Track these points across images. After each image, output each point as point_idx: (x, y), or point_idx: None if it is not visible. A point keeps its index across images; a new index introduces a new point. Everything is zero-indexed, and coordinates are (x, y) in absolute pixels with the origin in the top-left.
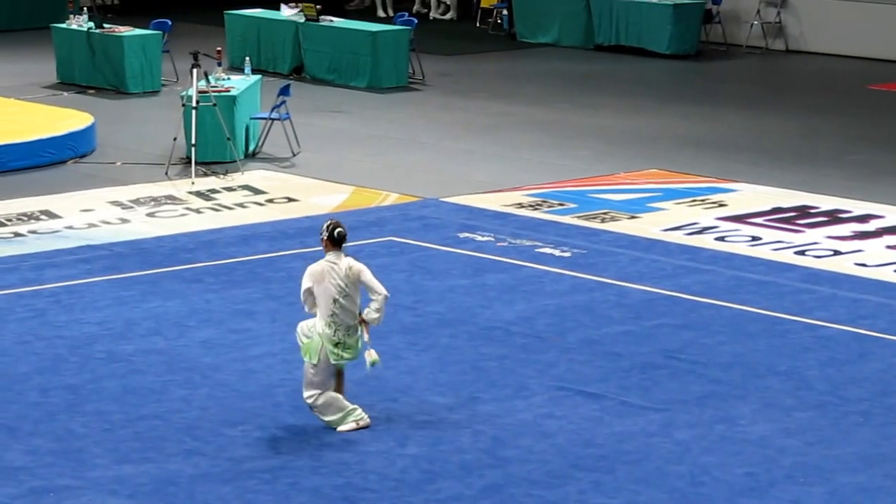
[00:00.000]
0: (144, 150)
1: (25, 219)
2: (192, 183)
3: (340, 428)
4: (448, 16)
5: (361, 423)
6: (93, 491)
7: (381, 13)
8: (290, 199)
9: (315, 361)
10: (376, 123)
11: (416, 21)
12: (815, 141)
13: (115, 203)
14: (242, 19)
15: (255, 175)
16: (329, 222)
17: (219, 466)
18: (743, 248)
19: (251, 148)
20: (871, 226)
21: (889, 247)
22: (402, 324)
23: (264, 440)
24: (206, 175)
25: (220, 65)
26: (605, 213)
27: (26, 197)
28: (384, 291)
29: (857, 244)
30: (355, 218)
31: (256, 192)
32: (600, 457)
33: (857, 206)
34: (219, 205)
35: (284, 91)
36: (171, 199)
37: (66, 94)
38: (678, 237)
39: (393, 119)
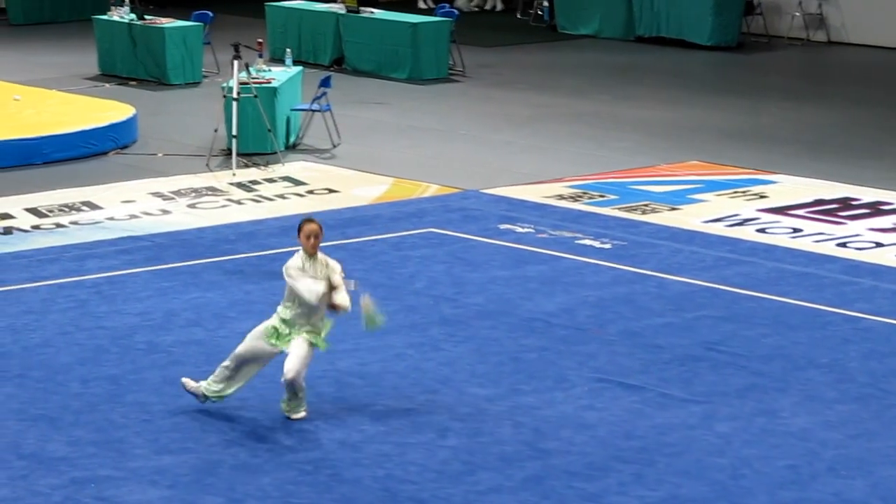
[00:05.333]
0: (185, 141)
1: (67, 210)
2: (234, 174)
3: (295, 416)
4: (488, 6)
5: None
6: (133, 481)
7: (421, 4)
8: (330, 191)
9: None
10: (417, 115)
11: (457, 13)
12: (856, 133)
13: (157, 194)
14: (283, 11)
15: (295, 166)
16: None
17: (259, 457)
18: (784, 240)
19: (292, 139)
20: None
21: None
22: (442, 315)
23: (305, 431)
24: (246, 166)
25: (261, 56)
26: (645, 205)
27: (68, 188)
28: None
29: None
30: (395, 209)
31: (297, 183)
32: (641, 449)
33: None
34: (260, 196)
35: (325, 83)
36: (212, 190)
37: (107, 85)
38: (719, 229)
39: (433, 111)
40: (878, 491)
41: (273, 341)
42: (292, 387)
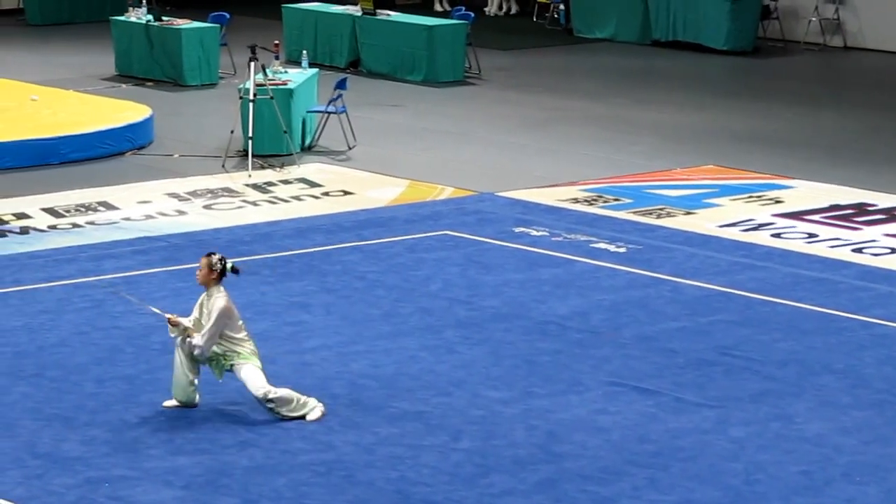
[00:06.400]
0: (202, 142)
1: (84, 210)
2: (249, 175)
3: (310, 417)
4: (503, 10)
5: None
6: (148, 481)
7: (437, 7)
8: (345, 193)
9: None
10: (432, 117)
11: (472, 15)
12: (872, 138)
13: (173, 195)
14: (300, 13)
15: (311, 168)
16: (219, 256)
17: (273, 459)
18: (799, 245)
19: (307, 141)
20: None
21: None
22: (457, 318)
23: (319, 433)
24: (262, 168)
25: (277, 58)
26: (660, 209)
27: (85, 188)
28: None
29: None
30: (411, 211)
31: (312, 184)
32: (654, 453)
33: None
34: (275, 197)
35: (341, 85)
36: (228, 191)
37: (124, 86)
38: (734, 233)
39: (449, 113)
40: (892, 497)
41: (213, 370)
42: (270, 401)
